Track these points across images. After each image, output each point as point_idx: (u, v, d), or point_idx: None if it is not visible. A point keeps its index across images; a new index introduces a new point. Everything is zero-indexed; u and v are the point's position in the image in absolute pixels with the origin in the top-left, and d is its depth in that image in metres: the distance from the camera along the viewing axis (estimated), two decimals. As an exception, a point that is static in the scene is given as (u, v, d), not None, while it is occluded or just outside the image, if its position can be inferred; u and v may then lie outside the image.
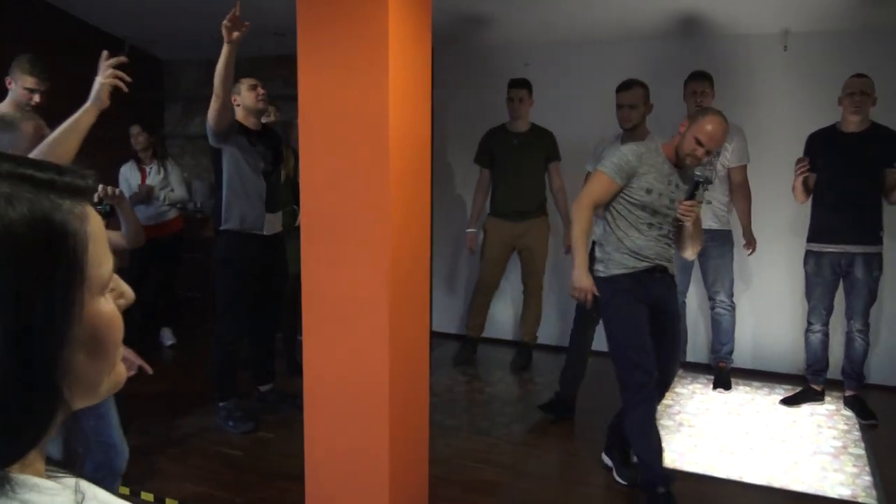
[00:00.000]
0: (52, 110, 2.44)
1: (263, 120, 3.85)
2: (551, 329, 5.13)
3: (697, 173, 2.83)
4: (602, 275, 2.95)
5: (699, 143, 2.76)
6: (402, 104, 2.41)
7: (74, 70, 3.26)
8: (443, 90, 4.87)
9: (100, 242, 0.63)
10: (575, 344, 3.93)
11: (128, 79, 2.31)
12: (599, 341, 4.04)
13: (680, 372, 4.60)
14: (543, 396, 4.20)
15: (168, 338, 5.22)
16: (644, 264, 2.92)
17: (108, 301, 0.66)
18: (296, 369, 4.49)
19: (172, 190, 5.00)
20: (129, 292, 0.70)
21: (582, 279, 2.89)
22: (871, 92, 3.76)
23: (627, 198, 2.89)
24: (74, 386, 0.61)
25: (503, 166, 4.62)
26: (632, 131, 3.76)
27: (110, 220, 2.52)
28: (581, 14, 4.45)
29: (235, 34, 3.14)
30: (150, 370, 2.24)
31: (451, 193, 5.37)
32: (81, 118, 2.25)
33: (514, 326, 5.27)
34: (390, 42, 2.31)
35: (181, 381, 4.48)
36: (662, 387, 3.05)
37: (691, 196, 2.85)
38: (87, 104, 2.26)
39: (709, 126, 2.74)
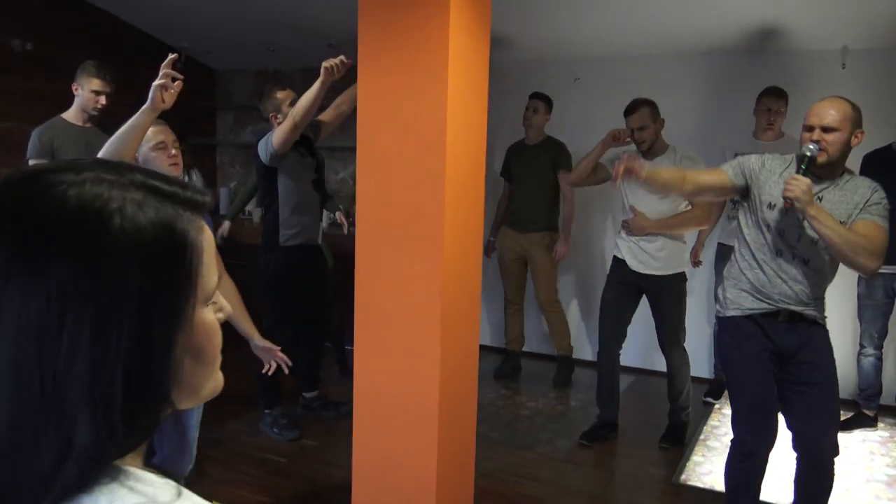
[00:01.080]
0: (115, 119, 2.50)
1: None
2: (583, 343, 5.13)
3: (809, 146, 2.39)
4: (720, 314, 2.68)
5: (806, 129, 2.41)
6: (460, 117, 2.43)
7: (134, 79, 3.34)
8: (495, 104, 4.88)
9: (211, 255, 0.67)
10: (604, 363, 3.84)
11: (179, 76, 2.33)
12: (630, 356, 4.02)
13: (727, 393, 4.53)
14: (588, 412, 4.17)
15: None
16: (764, 305, 2.53)
17: (210, 312, 0.69)
18: (346, 373, 4.52)
19: None
20: (227, 307, 0.74)
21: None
22: None
23: (749, 215, 2.54)
24: (180, 388, 0.65)
25: (516, 178, 4.74)
26: (649, 151, 3.67)
27: None
28: (630, 27, 4.44)
29: (334, 76, 3.18)
30: (288, 363, 2.57)
31: (488, 206, 5.37)
32: (138, 120, 2.31)
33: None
34: (450, 54, 2.33)
35: (229, 387, 4.42)
36: (806, 456, 2.61)
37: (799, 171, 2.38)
38: (145, 106, 2.32)
39: (811, 109, 2.42)
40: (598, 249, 5.10)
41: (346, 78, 3.34)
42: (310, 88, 3.27)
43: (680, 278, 3.69)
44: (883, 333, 3.92)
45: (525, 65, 5.11)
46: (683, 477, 3.42)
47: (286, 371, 2.53)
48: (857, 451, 3.77)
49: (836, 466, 2.57)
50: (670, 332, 3.72)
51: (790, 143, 3.99)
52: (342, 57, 3.13)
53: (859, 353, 4.00)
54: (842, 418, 4.06)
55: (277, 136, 3.43)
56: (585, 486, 3.32)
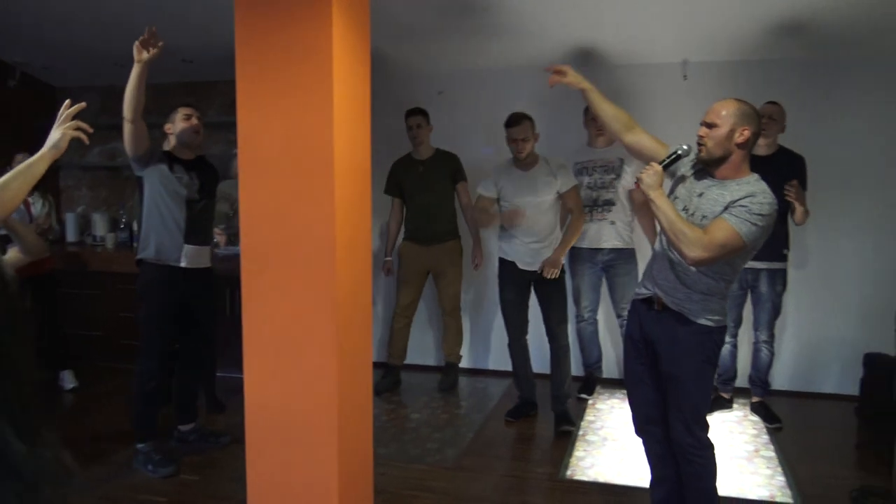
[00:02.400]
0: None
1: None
2: (472, 352, 5.23)
3: (684, 146, 2.56)
4: None
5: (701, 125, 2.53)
6: (346, 132, 2.41)
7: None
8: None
9: None
10: (516, 352, 4.21)
11: (90, 130, 2.32)
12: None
13: (598, 388, 4.77)
14: (473, 419, 4.26)
15: (69, 381, 4.89)
16: (644, 291, 2.66)
17: None
18: (216, 407, 4.34)
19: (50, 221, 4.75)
20: None
21: None
22: (779, 118, 4.05)
23: None
24: None
25: (412, 193, 4.76)
26: (525, 160, 3.96)
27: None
28: (489, 45, 4.59)
29: (147, 53, 3.05)
30: None
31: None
32: (35, 164, 2.18)
33: (436, 352, 5.31)
34: (335, 69, 2.31)
35: (90, 426, 4.21)
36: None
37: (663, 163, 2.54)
38: (44, 150, 2.18)
39: None
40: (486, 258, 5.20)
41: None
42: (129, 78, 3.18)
43: (561, 271, 4.04)
44: (738, 323, 4.26)
45: (390, 80, 5.14)
46: (569, 472, 3.55)
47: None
48: (717, 431, 4.07)
49: (706, 458, 2.61)
50: (558, 319, 4.08)
51: (621, 149, 4.31)
52: (148, 27, 3.03)
53: (715, 342, 4.33)
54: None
55: (124, 139, 3.36)
56: (479, 492, 3.36)
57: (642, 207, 4.41)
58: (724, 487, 3.33)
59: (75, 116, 2.34)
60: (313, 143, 2.35)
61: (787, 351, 4.71)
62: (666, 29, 4.26)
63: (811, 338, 4.69)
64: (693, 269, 2.47)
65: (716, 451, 2.63)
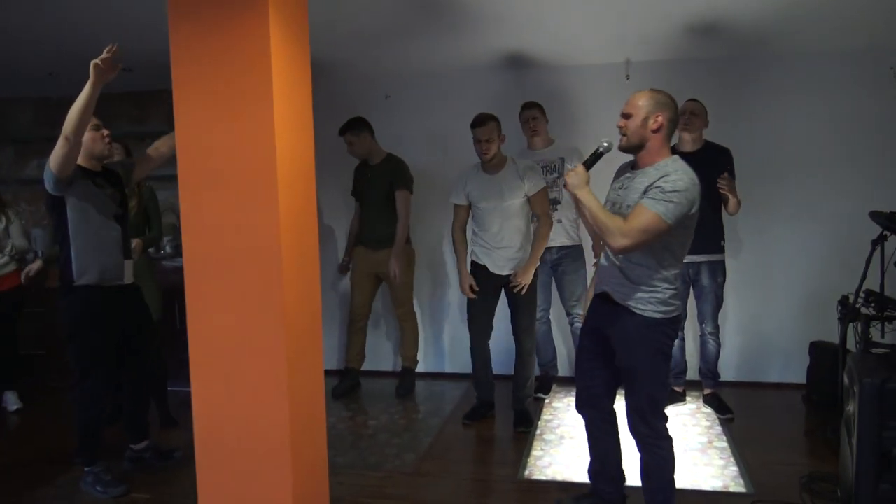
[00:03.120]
0: None
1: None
2: (429, 356, 5.23)
3: (604, 142, 2.67)
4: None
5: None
6: (288, 139, 2.38)
7: None
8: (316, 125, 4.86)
9: None
10: (477, 355, 4.25)
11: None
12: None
13: (554, 387, 4.80)
14: (431, 423, 4.25)
15: (13, 402, 4.73)
16: (601, 287, 2.77)
17: None
18: (169, 422, 4.24)
19: (10, 239, 4.55)
20: None
21: None
22: (700, 113, 4.14)
23: None
24: None
25: (363, 197, 4.81)
26: (491, 162, 3.95)
27: None
28: (434, 47, 4.59)
29: (105, 76, 2.88)
30: None
31: (321, 226, 5.31)
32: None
33: (394, 357, 5.30)
34: (274, 75, 2.27)
35: (35, 449, 4.07)
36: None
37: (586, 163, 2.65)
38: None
39: None
40: (440, 262, 5.20)
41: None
42: (80, 94, 2.95)
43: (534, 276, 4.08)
44: (684, 317, 4.33)
45: (335, 82, 5.11)
46: (527, 473, 3.56)
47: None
48: (671, 424, 4.10)
49: (664, 448, 2.71)
50: (527, 321, 4.11)
51: (560, 148, 4.51)
52: (108, 48, 2.80)
53: (665, 337, 4.39)
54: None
55: (53, 156, 3.10)
56: (437, 497, 3.35)
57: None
58: (679, 480, 3.36)
59: None
60: (255, 151, 2.31)
61: (732, 342, 4.81)
62: (607, 29, 4.31)
63: (756, 328, 4.80)
64: (634, 261, 2.56)
65: (672, 443, 2.72)
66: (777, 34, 4.33)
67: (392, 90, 5.09)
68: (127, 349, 3.54)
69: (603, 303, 2.72)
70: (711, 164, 4.10)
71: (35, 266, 4.49)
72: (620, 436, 2.96)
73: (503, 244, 4.01)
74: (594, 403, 2.91)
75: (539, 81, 4.87)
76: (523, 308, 4.11)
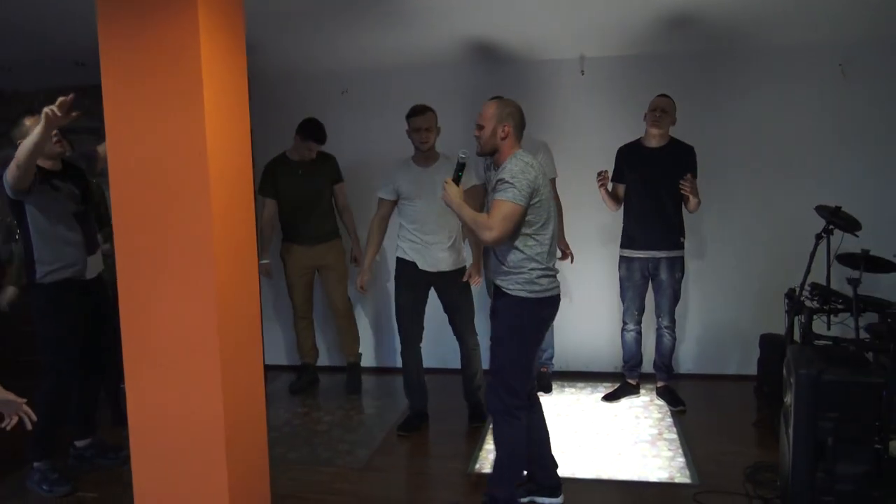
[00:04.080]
0: None
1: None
2: (369, 350, 5.27)
3: (461, 154, 2.96)
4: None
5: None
6: (219, 128, 2.36)
7: None
8: (259, 115, 4.81)
9: None
10: (408, 360, 4.11)
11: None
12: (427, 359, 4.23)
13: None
14: (386, 418, 4.25)
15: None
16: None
17: None
18: (120, 419, 4.20)
19: None
20: None
21: None
22: (670, 110, 4.16)
23: None
24: None
25: (288, 194, 4.67)
26: (426, 152, 3.92)
27: None
28: (390, 41, 4.57)
29: (56, 124, 2.88)
30: (32, 418, 2.26)
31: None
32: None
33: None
34: (203, 69, 2.25)
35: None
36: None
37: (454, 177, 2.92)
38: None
39: None
40: (388, 256, 5.18)
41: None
42: (31, 133, 2.99)
43: (463, 271, 3.99)
44: (641, 310, 4.37)
45: (290, 77, 5.07)
46: (478, 466, 3.57)
47: (28, 426, 2.27)
48: (624, 416, 4.18)
49: (509, 425, 2.88)
50: (465, 320, 4.04)
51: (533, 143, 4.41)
52: (61, 99, 2.79)
53: (622, 330, 4.43)
54: (610, 390, 4.51)
55: (7, 174, 3.18)
56: (386, 493, 3.35)
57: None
58: (627, 471, 3.44)
59: None
60: (185, 146, 2.29)
61: (690, 335, 4.87)
62: (562, 24, 4.32)
63: (712, 321, 4.86)
64: (504, 247, 2.83)
65: (519, 424, 2.88)
66: (729, 29, 4.36)
67: (350, 85, 5.06)
68: (87, 345, 3.53)
69: (495, 290, 2.97)
70: (675, 160, 4.14)
71: (8, 294, 4.32)
72: (547, 422, 3.16)
73: (435, 240, 3.92)
74: None
75: (495, 76, 4.87)
76: (461, 307, 4.02)
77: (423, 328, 4.08)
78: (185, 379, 2.39)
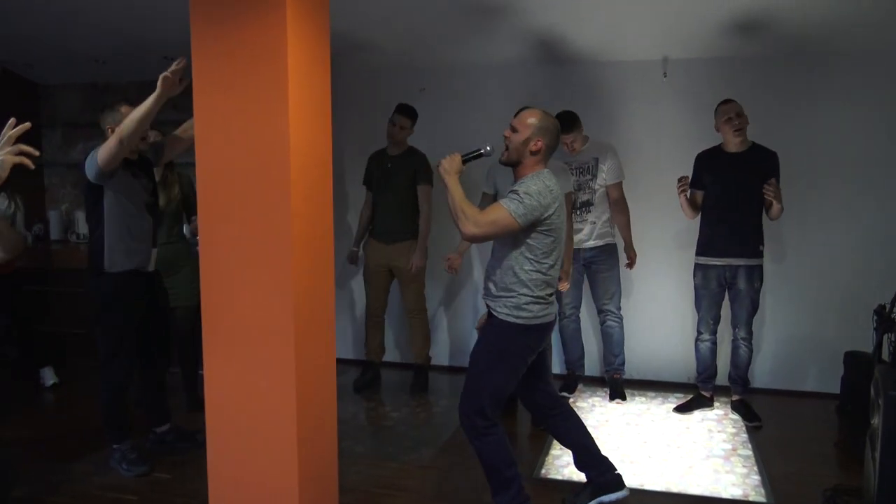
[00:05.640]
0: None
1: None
2: (444, 349, 5.28)
3: (487, 147, 2.82)
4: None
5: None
6: (302, 126, 2.40)
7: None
8: (342, 112, 4.88)
9: None
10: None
11: (36, 153, 2.11)
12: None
13: (580, 386, 4.75)
14: (452, 417, 4.24)
15: (50, 377, 4.90)
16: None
17: None
18: (197, 405, 4.32)
19: (16, 226, 4.67)
20: None
21: None
22: (744, 113, 4.04)
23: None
24: None
25: (378, 188, 4.71)
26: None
27: None
28: (473, 40, 4.57)
29: (172, 90, 2.96)
30: None
31: (348, 217, 5.36)
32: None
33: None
34: (289, 62, 2.30)
35: (69, 423, 4.21)
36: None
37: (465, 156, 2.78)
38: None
39: None
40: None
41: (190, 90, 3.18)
42: (143, 102, 3.05)
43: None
44: (717, 320, 4.24)
45: (371, 73, 5.13)
46: (543, 471, 3.53)
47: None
48: (697, 430, 4.06)
49: (482, 442, 2.81)
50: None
51: (593, 147, 4.44)
52: (176, 64, 2.87)
53: (697, 339, 4.31)
54: (682, 401, 4.39)
55: (103, 151, 3.19)
56: (452, 491, 3.35)
57: (617, 204, 4.41)
58: (698, 486, 3.35)
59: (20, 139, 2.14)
60: (267, 139, 2.34)
61: (767, 348, 4.70)
62: (646, 26, 4.24)
63: (791, 335, 4.67)
64: (501, 264, 2.72)
65: (493, 438, 2.81)
66: (816, 35, 4.20)
67: (427, 83, 5.08)
68: (147, 334, 3.63)
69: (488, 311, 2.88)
70: (758, 166, 4.02)
71: None
72: (582, 420, 3.13)
73: None
74: (532, 402, 3.07)
75: (574, 77, 4.82)
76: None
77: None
78: (261, 367, 2.44)
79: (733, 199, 4.05)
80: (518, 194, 2.61)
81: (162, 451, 3.76)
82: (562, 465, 3.60)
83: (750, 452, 3.74)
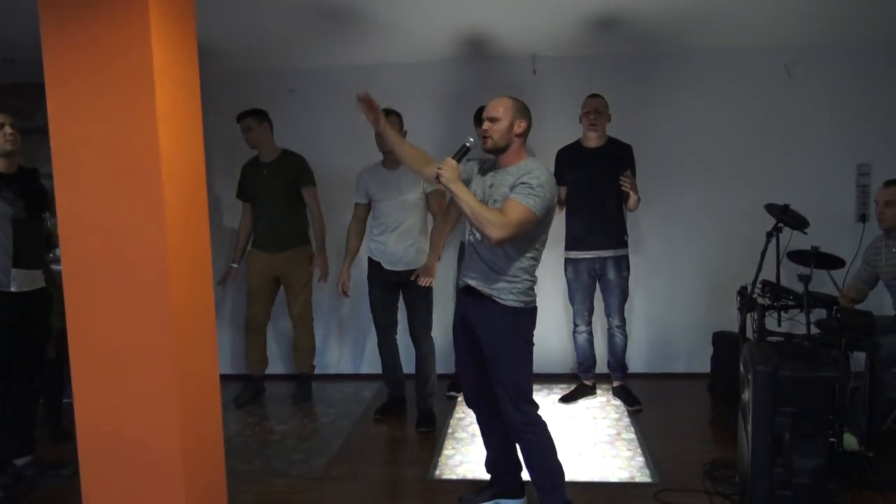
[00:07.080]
0: None
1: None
2: (345, 356, 5.17)
3: (469, 140, 2.78)
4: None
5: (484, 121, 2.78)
6: (172, 133, 2.25)
7: None
8: (209, 119, 4.66)
9: None
10: (385, 351, 4.27)
11: None
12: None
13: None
14: (341, 426, 4.16)
15: None
16: (461, 281, 2.91)
17: None
18: (61, 436, 3.99)
19: None
20: None
21: None
22: (605, 110, 4.21)
23: None
24: None
25: (257, 197, 4.55)
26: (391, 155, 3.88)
27: None
28: (348, 39, 4.49)
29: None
30: None
31: (220, 227, 5.12)
32: None
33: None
34: (155, 67, 2.14)
35: None
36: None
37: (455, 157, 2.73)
38: None
39: None
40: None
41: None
42: None
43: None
44: (591, 311, 4.39)
45: (235, 78, 4.93)
46: (437, 472, 3.51)
47: None
48: (582, 417, 4.18)
49: (538, 434, 2.80)
50: (420, 321, 4.07)
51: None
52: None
53: (574, 332, 4.44)
54: (566, 392, 4.51)
55: None
56: (346, 502, 3.26)
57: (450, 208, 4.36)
58: (587, 472, 3.43)
59: None
60: (135, 147, 2.18)
61: (640, 335, 4.91)
62: (514, 23, 4.31)
63: (662, 320, 4.92)
64: (500, 252, 2.70)
65: (547, 427, 2.81)
66: (677, 31, 4.43)
67: (297, 85, 4.95)
68: (15, 356, 3.33)
69: (468, 294, 2.85)
70: (614, 159, 4.18)
71: None
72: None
73: (395, 240, 4.00)
74: (478, 401, 3.02)
75: (447, 75, 4.84)
76: (417, 310, 4.09)
77: (396, 322, 4.24)
78: (139, 390, 2.27)
79: (594, 192, 4.20)
80: (532, 188, 2.60)
81: (21, 486, 3.43)
82: (455, 464, 3.60)
83: (633, 436, 3.89)
